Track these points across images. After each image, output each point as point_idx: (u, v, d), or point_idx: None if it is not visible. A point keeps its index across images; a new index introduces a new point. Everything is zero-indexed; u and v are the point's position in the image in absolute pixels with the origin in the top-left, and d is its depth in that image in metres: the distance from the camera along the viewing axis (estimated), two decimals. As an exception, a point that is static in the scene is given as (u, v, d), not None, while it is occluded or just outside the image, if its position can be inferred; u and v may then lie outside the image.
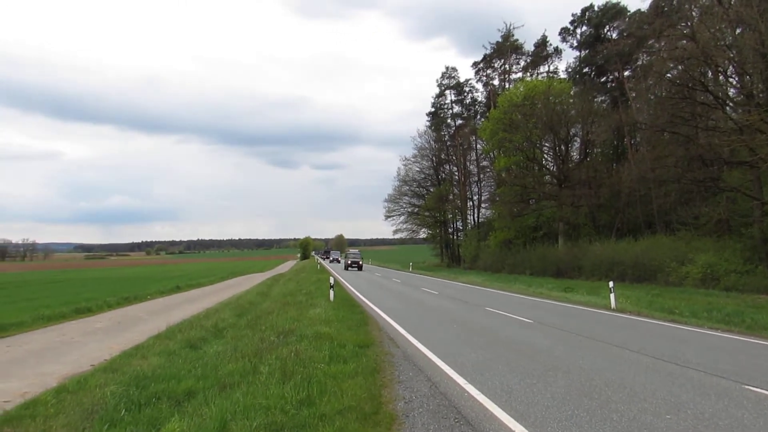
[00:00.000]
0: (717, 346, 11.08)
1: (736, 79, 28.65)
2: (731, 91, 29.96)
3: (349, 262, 58.87)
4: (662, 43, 36.45)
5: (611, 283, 19.46)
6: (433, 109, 75.07)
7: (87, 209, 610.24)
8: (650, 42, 41.21)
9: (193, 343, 11.48)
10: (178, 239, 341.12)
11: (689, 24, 29.91)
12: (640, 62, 45.82)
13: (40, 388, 8.30)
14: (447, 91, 73.25)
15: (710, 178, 29.77)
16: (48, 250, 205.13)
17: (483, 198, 68.54)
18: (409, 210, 76.73)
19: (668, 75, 32.76)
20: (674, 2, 37.42)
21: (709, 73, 30.13)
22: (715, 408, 6.50)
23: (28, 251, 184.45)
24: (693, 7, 31.82)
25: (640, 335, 12.48)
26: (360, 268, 57.37)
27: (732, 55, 27.20)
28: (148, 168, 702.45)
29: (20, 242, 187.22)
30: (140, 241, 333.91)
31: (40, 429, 6.13)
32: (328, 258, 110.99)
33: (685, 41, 29.18)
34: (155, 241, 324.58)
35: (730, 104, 28.92)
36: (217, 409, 6.05)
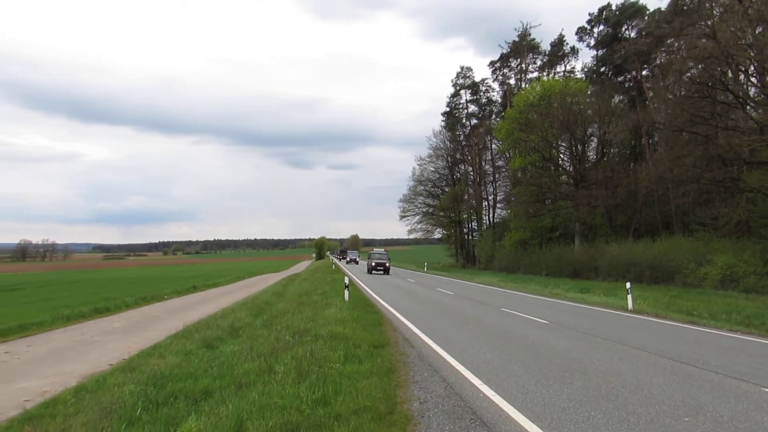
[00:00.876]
0: (736, 349, 10.94)
1: (757, 78, 28.28)
2: (752, 91, 29.59)
3: (373, 263, 48.85)
4: (681, 42, 36.07)
5: (628, 284, 19.29)
6: (448, 109, 74.93)
7: (106, 210, 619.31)
8: (669, 41, 40.80)
9: (210, 343, 11.55)
10: (194, 239, 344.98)
11: (709, 23, 29.58)
12: (658, 61, 45.40)
13: (60, 387, 8.41)
14: (462, 91, 73.07)
15: (730, 179, 29.40)
16: (67, 250, 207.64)
17: (498, 198, 68.41)
18: (424, 210, 76.63)
19: (687, 74, 32.41)
20: (694, 0, 37.01)
21: (729, 73, 29.76)
22: (734, 411, 6.42)
23: (47, 252, 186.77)
24: (714, 5, 31.44)
25: (657, 337, 12.36)
26: (387, 271, 48.13)
27: (753, 54, 26.87)
28: (166, 169, 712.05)
29: (40, 243, 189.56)
30: (157, 242, 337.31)
31: (59, 427, 6.20)
32: (344, 258, 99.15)
33: (704, 40, 28.85)
34: (172, 242, 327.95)
35: (751, 104, 28.57)
36: (234, 408, 6.08)
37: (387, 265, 48.89)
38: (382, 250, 58.80)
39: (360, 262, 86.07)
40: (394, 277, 42.30)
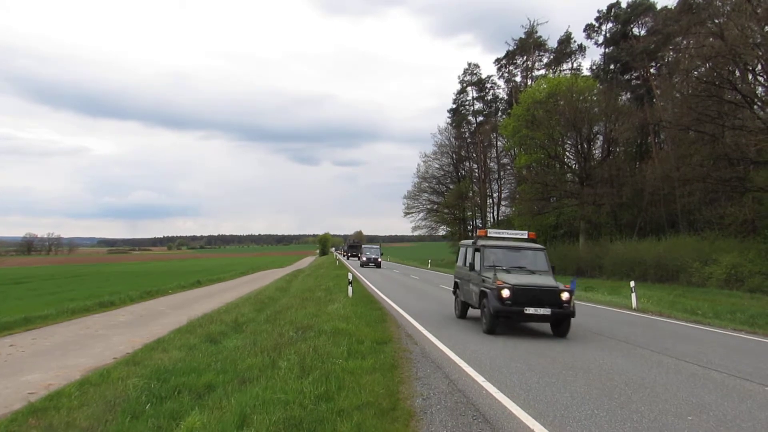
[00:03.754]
0: (740, 348, 10.91)
1: (765, 77, 28.20)
2: (759, 90, 29.46)
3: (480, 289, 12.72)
4: (690, 41, 35.90)
5: (633, 283, 19.25)
6: (454, 106, 74.89)
7: (111, 204, 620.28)
8: (677, 39, 40.63)
9: (213, 338, 11.60)
10: (199, 234, 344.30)
11: (717, 21, 29.43)
12: (666, 59, 45.21)
13: (64, 380, 8.46)
14: (469, 88, 73.01)
15: (736, 178, 29.28)
16: (72, 244, 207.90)
17: (503, 195, 68.41)
18: (429, 207, 76.51)
19: (695, 73, 32.29)
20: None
21: (737, 72, 29.62)
22: (738, 410, 6.41)
23: (53, 245, 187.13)
24: (723, 4, 31.27)
25: (661, 336, 12.34)
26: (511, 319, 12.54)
27: (760, 54, 26.71)
28: (172, 164, 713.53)
29: (45, 236, 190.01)
30: (162, 236, 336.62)
31: (64, 420, 6.24)
32: (356, 256, 73.62)
33: (712, 39, 28.71)
34: (177, 236, 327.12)
35: (759, 103, 28.41)
36: (237, 403, 6.10)
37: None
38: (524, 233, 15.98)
39: (380, 261, 56.10)
40: (398, 274, 42.28)
